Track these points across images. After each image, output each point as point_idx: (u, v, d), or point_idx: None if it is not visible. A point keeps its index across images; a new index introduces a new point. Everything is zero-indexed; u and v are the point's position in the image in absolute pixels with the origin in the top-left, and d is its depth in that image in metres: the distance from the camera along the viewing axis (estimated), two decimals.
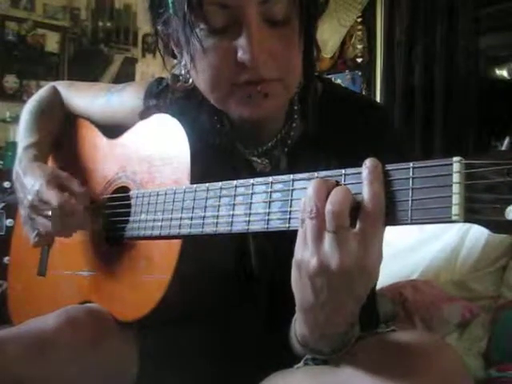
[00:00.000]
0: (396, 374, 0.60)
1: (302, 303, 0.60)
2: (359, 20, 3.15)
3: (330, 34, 3.23)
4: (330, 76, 3.24)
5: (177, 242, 0.77)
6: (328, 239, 0.54)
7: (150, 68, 3.83)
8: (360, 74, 3.17)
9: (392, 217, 0.54)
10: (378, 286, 1.30)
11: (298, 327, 0.66)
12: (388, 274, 1.49)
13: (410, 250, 1.60)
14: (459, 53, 2.72)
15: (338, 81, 3.22)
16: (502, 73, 3.15)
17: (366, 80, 3.15)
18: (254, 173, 0.73)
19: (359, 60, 3.18)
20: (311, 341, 0.65)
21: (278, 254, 0.70)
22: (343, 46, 3.23)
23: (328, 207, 0.54)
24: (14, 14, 3.43)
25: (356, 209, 0.55)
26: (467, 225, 1.50)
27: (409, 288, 1.40)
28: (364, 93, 3.12)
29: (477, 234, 1.47)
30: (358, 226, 0.54)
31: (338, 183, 0.57)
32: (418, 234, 1.63)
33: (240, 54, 0.71)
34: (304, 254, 0.56)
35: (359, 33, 3.16)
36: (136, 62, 3.89)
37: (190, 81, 0.83)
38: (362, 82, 3.16)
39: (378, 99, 3.04)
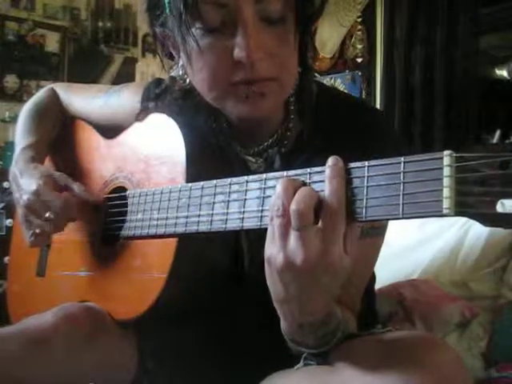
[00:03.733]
0: (395, 374, 0.60)
1: (275, 297, 0.62)
2: (359, 20, 3.14)
3: (329, 34, 3.23)
4: (329, 76, 3.24)
5: (173, 241, 0.78)
6: (293, 237, 0.56)
7: (149, 68, 3.83)
8: (360, 73, 3.17)
9: (383, 212, 0.54)
10: (378, 285, 1.30)
11: (281, 321, 0.67)
12: (388, 273, 1.49)
13: (410, 250, 1.60)
14: (459, 53, 2.72)
15: (338, 81, 3.22)
16: (502, 73, 3.15)
17: (366, 80, 3.15)
18: (248, 172, 0.74)
19: (359, 60, 3.17)
20: (293, 333, 0.67)
21: None
22: (343, 46, 3.23)
23: (292, 206, 0.55)
24: (14, 14, 3.43)
25: (320, 207, 0.56)
26: (467, 225, 1.50)
27: (408, 288, 1.40)
28: (364, 93, 3.12)
29: (477, 234, 1.46)
30: (319, 222, 0.56)
31: (304, 183, 0.58)
32: (418, 233, 1.63)
33: (236, 52, 0.71)
34: (272, 250, 0.58)
35: (359, 33, 3.16)
36: (136, 61, 3.89)
37: (188, 81, 0.83)
38: (362, 81, 3.16)
39: (377, 99, 3.04)
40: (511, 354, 1.27)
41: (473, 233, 1.48)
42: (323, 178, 0.58)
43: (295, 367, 0.74)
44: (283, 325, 0.67)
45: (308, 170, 0.60)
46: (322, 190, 0.57)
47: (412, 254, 1.58)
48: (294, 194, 0.57)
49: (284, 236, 0.56)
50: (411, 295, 1.37)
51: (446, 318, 1.33)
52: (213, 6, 0.71)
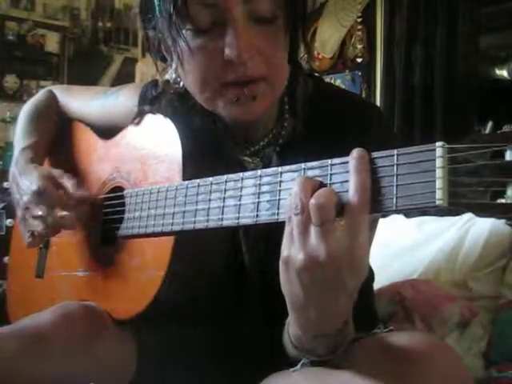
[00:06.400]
0: (395, 376, 0.60)
1: (292, 302, 0.60)
2: (359, 20, 3.14)
3: (330, 34, 3.23)
4: (329, 76, 3.24)
5: (170, 239, 0.78)
6: (314, 233, 0.55)
7: (150, 68, 3.83)
8: (360, 73, 3.17)
9: (377, 204, 0.54)
10: (378, 285, 1.30)
11: (291, 328, 0.66)
12: (388, 273, 1.49)
13: (410, 250, 1.60)
14: (459, 52, 2.72)
15: (338, 81, 3.21)
16: (502, 73, 3.15)
17: (366, 80, 3.15)
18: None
19: (359, 60, 3.17)
20: (305, 341, 0.65)
21: (269, 253, 0.70)
22: (343, 46, 3.23)
23: (312, 201, 0.55)
24: (14, 14, 3.43)
25: (340, 204, 0.55)
26: (467, 225, 1.50)
27: (408, 287, 1.40)
28: (364, 93, 3.12)
29: (477, 234, 1.46)
30: (344, 215, 0.55)
31: (322, 184, 0.58)
32: (418, 234, 1.63)
33: (227, 51, 0.71)
34: (291, 250, 0.57)
35: (359, 33, 3.15)
36: (136, 61, 3.89)
37: (182, 83, 0.83)
38: (362, 81, 3.16)
39: (378, 99, 3.03)
40: (511, 354, 1.27)
41: (473, 233, 1.48)
42: (318, 174, 0.58)
43: (291, 370, 0.74)
44: (295, 332, 0.65)
45: (302, 165, 0.60)
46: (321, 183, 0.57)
47: (412, 254, 1.58)
48: (313, 191, 0.56)
49: (304, 233, 0.55)
50: (411, 295, 1.37)
51: (446, 318, 1.33)
52: (202, 7, 0.71)
